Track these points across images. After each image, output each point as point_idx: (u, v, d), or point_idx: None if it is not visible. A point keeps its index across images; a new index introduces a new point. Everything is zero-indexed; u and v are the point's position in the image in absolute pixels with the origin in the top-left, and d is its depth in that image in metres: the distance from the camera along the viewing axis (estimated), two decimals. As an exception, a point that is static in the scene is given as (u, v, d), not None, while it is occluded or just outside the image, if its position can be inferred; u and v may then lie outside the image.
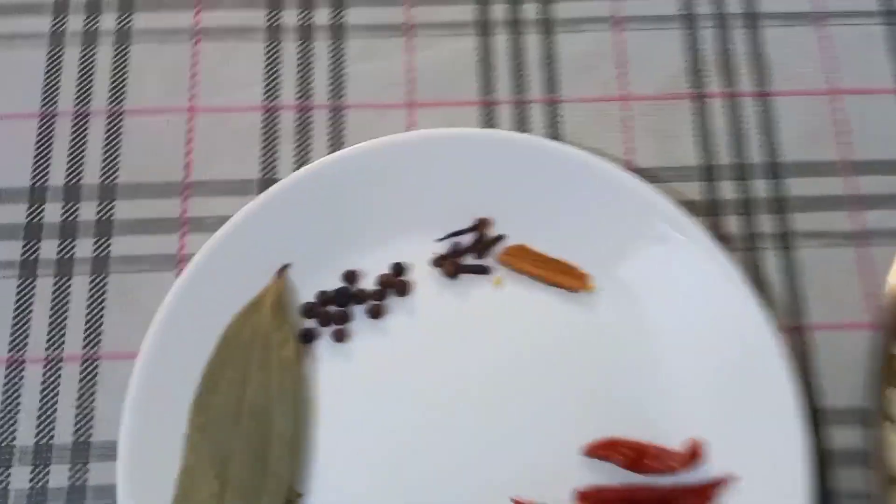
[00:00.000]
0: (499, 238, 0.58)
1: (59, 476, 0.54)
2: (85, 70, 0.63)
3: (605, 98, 0.63)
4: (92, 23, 0.65)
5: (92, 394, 0.56)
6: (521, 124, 0.63)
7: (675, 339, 0.56)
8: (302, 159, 0.61)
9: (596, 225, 0.58)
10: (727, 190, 0.61)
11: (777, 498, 0.51)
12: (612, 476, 0.53)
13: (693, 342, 0.56)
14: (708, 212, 0.60)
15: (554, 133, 0.62)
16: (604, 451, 0.53)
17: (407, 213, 0.58)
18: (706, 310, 0.56)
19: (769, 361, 0.54)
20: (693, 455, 0.53)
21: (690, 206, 0.59)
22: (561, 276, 0.57)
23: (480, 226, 0.58)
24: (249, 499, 0.51)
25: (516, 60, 0.64)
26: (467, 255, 0.58)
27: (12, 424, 0.55)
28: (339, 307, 0.57)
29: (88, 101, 0.63)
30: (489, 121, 0.63)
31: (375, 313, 0.57)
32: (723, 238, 0.59)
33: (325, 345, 0.56)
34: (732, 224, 0.60)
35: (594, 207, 0.58)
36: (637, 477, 0.53)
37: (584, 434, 0.54)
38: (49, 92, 0.63)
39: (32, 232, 0.59)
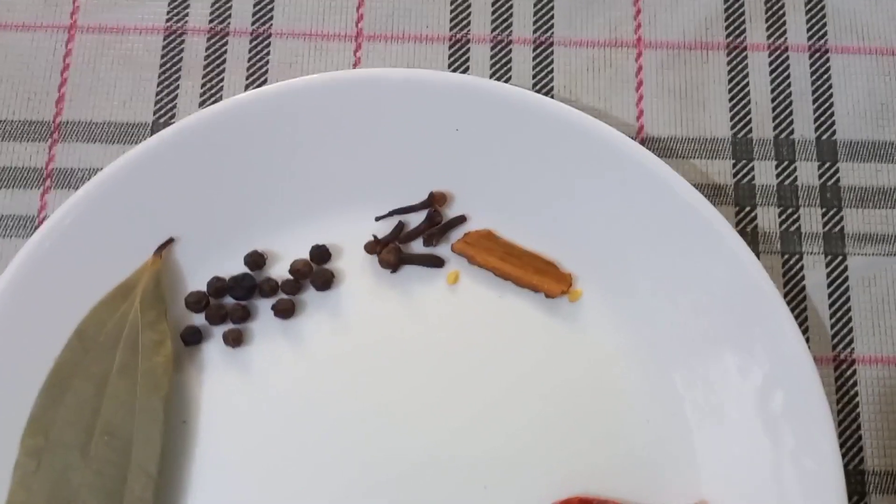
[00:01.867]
0: (458, 220, 0.44)
1: None
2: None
3: (612, 43, 0.48)
4: None
5: None
6: (499, 70, 0.48)
7: (681, 368, 0.42)
8: (209, 98, 0.47)
9: (588, 210, 0.43)
10: (765, 173, 0.47)
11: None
12: (585, 548, 0.40)
13: (702, 372, 0.42)
14: (739, 201, 0.46)
15: (541, 85, 0.47)
16: (575, 515, 0.40)
17: (338, 179, 0.44)
18: (724, 331, 0.41)
19: (808, 411, 0.40)
20: (695, 530, 0.40)
21: (717, 192, 0.45)
22: (537, 275, 0.43)
23: (434, 201, 0.44)
24: (92, 556, 0.38)
25: (501, -13, 0.49)
26: (414, 240, 0.44)
27: None
28: (237, 300, 0.43)
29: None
30: (458, 63, 0.48)
31: (285, 312, 0.43)
32: (756, 237, 0.45)
33: (214, 349, 0.42)
34: (770, 218, 0.46)
35: (587, 187, 0.43)
36: (617, 551, 0.40)
37: (553, 488, 0.41)
38: None
39: None
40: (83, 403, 0.40)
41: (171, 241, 0.43)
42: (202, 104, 0.47)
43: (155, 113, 0.47)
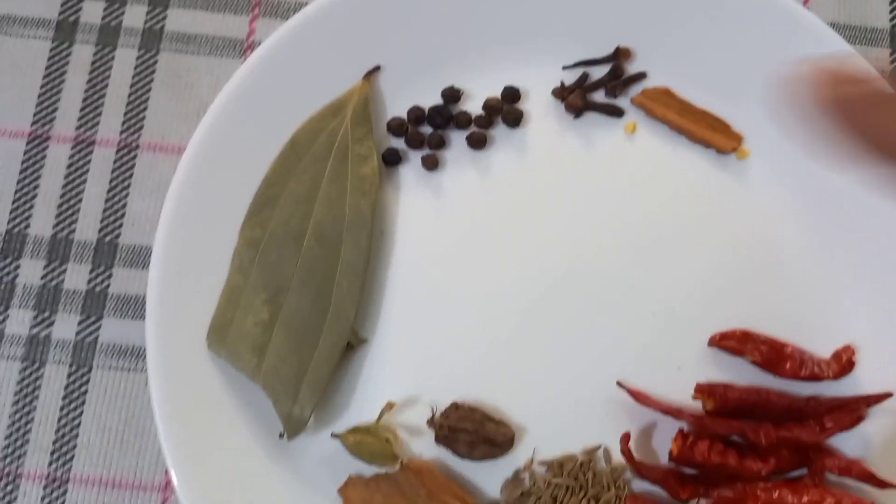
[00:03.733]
0: (639, 76, 0.47)
1: (76, 277, 0.45)
2: None
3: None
4: None
5: (126, 188, 0.46)
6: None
7: (844, 224, 0.45)
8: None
9: (759, 74, 0.46)
10: (921, 62, 0.50)
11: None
12: (741, 375, 0.44)
13: (866, 231, 0.45)
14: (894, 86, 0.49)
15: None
16: (736, 343, 0.44)
17: (532, 27, 0.47)
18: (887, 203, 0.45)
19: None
20: (845, 364, 0.43)
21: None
22: (710, 131, 0.46)
23: (619, 56, 0.47)
24: (304, 335, 0.42)
25: None
26: (598, 90, 0.47)
27: (28, 210, 0.46)
28: (434, 128, 0.46)
29: None
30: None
31: (478, 142, 0.46)
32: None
33: (412, 171, 0.46)
34: (923, 104, 0.49)
35: (761, 52, 0.46)
36: (770, 380, 0.44)
37: (715, 323, 0.44)
38: None
39: (74, -11, 0.49)
40: (297, 203, 0.44)
41: (378, 68, 0.46)
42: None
43: (355, -43, 0.50)
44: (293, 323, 0.42)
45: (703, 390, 0.43)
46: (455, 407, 0.42)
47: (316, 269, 0.43)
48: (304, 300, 0.42)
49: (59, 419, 0.43)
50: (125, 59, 0.48)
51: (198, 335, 0.42)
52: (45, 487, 0.42)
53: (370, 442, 0.42)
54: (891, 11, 0.50)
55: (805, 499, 0.40)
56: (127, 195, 0.46)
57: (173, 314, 0.42)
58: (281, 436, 0.42)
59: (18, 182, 0.46)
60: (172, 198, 0.43)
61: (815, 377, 0.43)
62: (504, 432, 0.42)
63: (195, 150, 0.44)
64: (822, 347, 0.44)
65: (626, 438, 0.41)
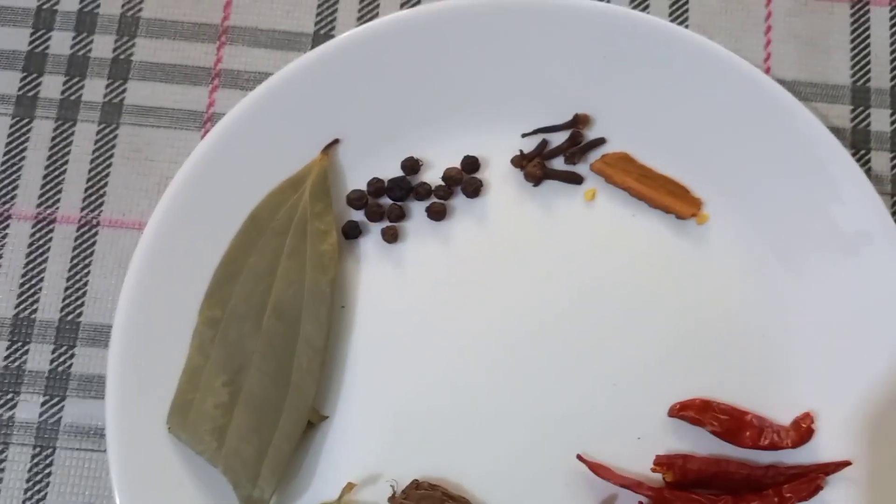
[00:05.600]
0: (598, 141, 0.47)
1: (39, 357, 0.45)
2: None
3: (747, -13, 0.51)
4: None
5: (87, 265, 0.46)
6: (640, 2, 0.51)
7: (803, 291, 0.46)
8: (369, 12, 0.50)
9: (719, 139, 0.46)
10: (881, 120, 0.50)
11: (891, 493, 0.42)
12: (701, 444, 0.44)
13: (824, 297, 0.45)
14: (855, 144, 0.49)
15: (677, 22, 0.50)
16: (695, 412, 0.44)
17: (491, 96, 0.47)
18: (845, 258, 0.45)
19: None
20: (804, 432, 0.44)
21: (835, 135, 0.48)
22: (669, 197, 0.47)
23: (577, 122, 0.47)
24: (264, 414, 0.42)
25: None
26: (557, 157, 0.47)
27: (-11, 289, 0.46)
28: (394, 200, 0.47)
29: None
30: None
31: (438, 214, 0.46)
32: (869, 178, 0.48)
33: (372, 243, 0.46)
34: (883, 162, 0.49)
35: (719, 117, 0.46)
36: (730, 450, 0.44)
37: (675, 391, 0.44)
38: None
39: (34, 63, 0.48)
40: (257, 279, 0.44)
41: (337, 141, 0.46)
42: (360, 20, 0.50)
43: (315, 23, 0.50)
44: (253, 402, 0.42)
45: (662, 462, 0.43)
46: (416, 485, 0.42)
47: (276, 346, 0.43)
48: (264, 379, 0.43)
49: (24, 501, 0.43)
50: (85, 134, 0.48)
51: (158, 416, 0.42)
52: (9, 571, 0.43)
53: (332, 521, 0.42)
54: (852, 68, 0.51)
55: (764, 571, 0.41)
56: (88, 273, 0.46)
57: (133, 395, 0.42)
58: (242, 517, 0.42)
59: (-20, 261, 0.46)
60: (132, 276, 0.43)
61: (774, 446, 0.43)
62: (465, 509, 0.42)
63: (155, 227, 0.44)
64: (782, 414, 0.44)
65: (584, 516, 0.42)
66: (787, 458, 0.44)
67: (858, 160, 0.48)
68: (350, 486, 0.42)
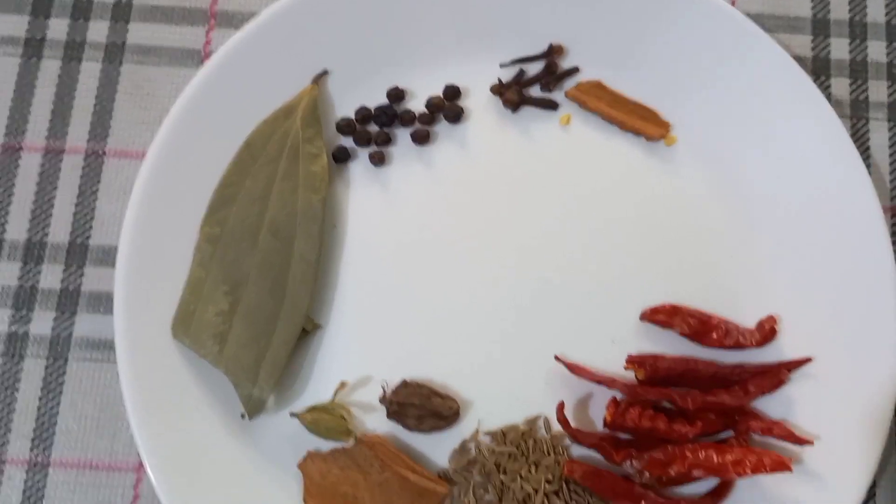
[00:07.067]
0: (572, 70, 0.50)
1: (50, 277, 0.48)
2: None
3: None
4: None
5: (94, 192, 0.49)
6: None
7: (765, 204, 0.48)
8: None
9: (687, 67, 0.49)
10: (841, 49, 0.53)
11: (853, 386, 0.45)
12: (671, 346, 0.47)
13: (785, 210, 0.48)
14: (816, 71, 0.52)
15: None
16: (666, 316, 0.47)
17: (471, 29, 0.50)
18: (805, 175, 0.48)
19: (870, 240, 0.46)
20: (768, 332, 0.47)
21: (798, 63, 0.51)
22: (640, 121, 0.50)
23: (552, 53, 0.50)
24: (262, 323, 0.45)
25: None
26: (534, 85, 0.50)
27: (3, 216, 0.49)
28: (381, 126, 0.49)
29: None
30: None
31: (422, 138, 0.49)
32: (829, 102, 0.51)
33: (360, 167, 0.49)
34: (842, 88, 0.52)
35: (687, 46, 0.49)
36: (698, 351, 0.47)
37: (646, 299, 0.47)
38: None
39: (41, 7, 0.52)
40: (253, 201, 0.47)
41: (325, 72, 0.49)
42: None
43: (304, -33, 0.53)
44: (252, 312, 0.45)
45: (634, 361, 0.46)
46: (404, 384, 0.45)
47: (272, 261, 0.46)
48: (261, 291, 0.46)
49: (39, 408, 0.46)
50: (90, 72, 0.51)
51: (163, 326, 0.45)
52: (27, 471, 0.46)
53: (326, 419, 0.45)
54: (811, 0, 0.53)
55: (729, 457, 0.44)
56: (95, 199, 0.49)
57: (139, 307, 0.45)
58: (243, 416, 0.45)
59: (-6, 190, 0.49)
60: (136, 199, 0.46)
61: (739, 345, 0.46)
62: (450, 405, 0.45)
63: (156, 154, 0.47)
64: (747, 319, 0.47)
65: (560, 406, 0.44)
66: (752, 358, 0.47)
67: (819, 86, 0.51)
68: (343, 385, 0.45)
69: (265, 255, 0.46)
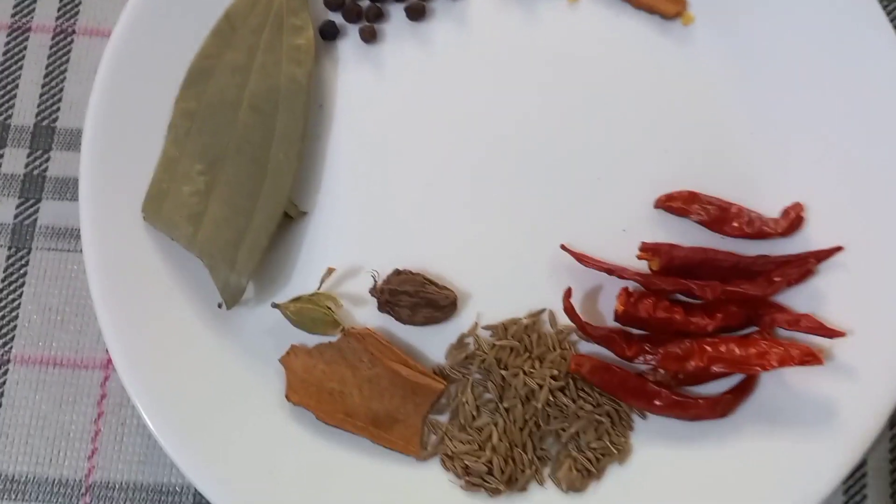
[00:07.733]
0: (580, -57, 0.47)
1: (14, 161, 0.44)
2: None
3: None
4: None
5: (62, 73, 0.46)
6: None
7: (785, 84, 0.44)
8: None
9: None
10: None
11: (886, 277, 0.41)
12: (687, 236, 0.43)
13: (806, 87, 0.44)
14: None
15: None
16: (682, 203, 0.43)
17: None
18: (828, 48, 0.44)
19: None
20: (794, 220, 0.43)
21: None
22: (654, -3, 0.46)
23: (559, -76, 0.46)
24: (240, 204, 0.41)
25: None
26: (539, -41, 0.47)
27: (-36, 97, 0.46)
28: (372, 0, 0.46)
29: None
30: None
31: (416, 13, 0.45)
32: None
33: (350, 44, 0.45)
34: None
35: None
36: (717, 242, 0.43)
37: (660, 187, 0.43)
38: None
39: None
40: (233, 73, 0.43)
41: (313, -60, 0.45)
42: None
43: None
44: (229, 192, 0.42)
45: (648, 248, 0.42)
46: (397, 272, 0.41)
47: (252, 138, 0.42)
48: (240, 169, 0.42)
49: (-1, 300, 0.43)
50: (59, -53, 0.47)
51: (133, 211, 0.42)
52: (-15, 366, 0.42)
53: (311, 310, 0.41)
54: None
55: (753, 350, 0.40)
56: (64, 80, 0.45)
57: (107, 190, 0.41)
58: (220, 306, 0.41)
59: (-46, 70, 0.46)
60: (103, 73, 0.42)
61: (762, 235, 0.42)
62: (447, 295, 0.41)
63: (127, 23, 0.43)
64: (770, 208, 0.44)
65: (568, 293, 0.40)
66: (776, 248, 0.43)
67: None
68: (330, 271, 0.41)
69: (245, 132, 0.42)
